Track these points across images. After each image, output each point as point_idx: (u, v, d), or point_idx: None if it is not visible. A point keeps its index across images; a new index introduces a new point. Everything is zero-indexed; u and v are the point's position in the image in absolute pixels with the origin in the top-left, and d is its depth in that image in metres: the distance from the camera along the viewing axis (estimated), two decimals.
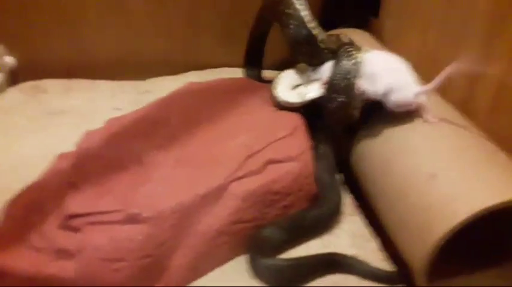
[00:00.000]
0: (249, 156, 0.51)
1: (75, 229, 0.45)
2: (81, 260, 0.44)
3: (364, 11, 0.90)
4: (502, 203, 0.42)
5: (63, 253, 0.44)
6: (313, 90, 0.60)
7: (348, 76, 0.56)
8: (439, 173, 0.48)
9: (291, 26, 0.62)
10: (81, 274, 0.43)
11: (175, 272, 0.46)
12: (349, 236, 0.54)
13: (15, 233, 0.47)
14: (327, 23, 0.90)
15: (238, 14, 0.89)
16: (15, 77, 0.85)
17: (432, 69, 0.67)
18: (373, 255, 0.52)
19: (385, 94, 0.54)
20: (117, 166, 0.52)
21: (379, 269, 0.50)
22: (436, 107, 0.59)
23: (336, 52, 0.59)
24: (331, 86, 0.57)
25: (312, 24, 0.62)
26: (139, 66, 0.89)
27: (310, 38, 0.62)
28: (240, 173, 0.50)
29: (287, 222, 0.51)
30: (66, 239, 0.45)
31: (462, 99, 0.60)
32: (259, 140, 0.53)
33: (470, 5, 0.59)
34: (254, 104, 0.64)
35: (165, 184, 0.49)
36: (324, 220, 0.54)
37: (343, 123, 0.58)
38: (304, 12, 0.63)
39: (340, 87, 0.56)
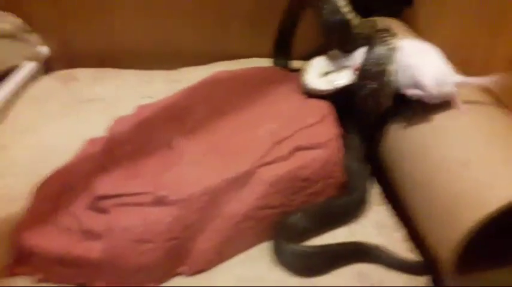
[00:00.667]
0: (277, 142, 0.51)
1: (104, 211, 0.46)
2: (108, 241, 0.44)
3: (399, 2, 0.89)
4: None
5: (91, 234, 0.45)
6: (344, 77, 0.59)
7: (381, 62, 0.55)
8: (472, 160, 0.47)
9: (324, 12, 0.60)
10: (107, 254, 0.44)
11: (201, 255, 0.46)
12: (375, 226, 0.53)
13: (44, 213, 0.48)
14: (359, 12, 0.90)
15: (267, 3, 0.89)
16: (48, 66, 0.87)
17: (469, 59, 0.66)
18: (399, 245, 0.51)
19: (422, 85, 0.52)
20: (147, 150, 0.53)
21: (405, 259, 0.49)
22: (471, 95, 0.58)
23: (370, 38, 0.58)
24: (363, 72, 0.56)
25: (346, 9, 0.60)
26: (169, 57, 0.90)
27: (344, 23, 0.60)
28: (268, 159, 0.50)
29: (314, 209, 0.51)
30: (94, 220, 0.46)
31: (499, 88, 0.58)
32: (287, 126, 0.53)
33: None
34: (282, 92, 0.63)
35: (194, 168, 0.49)
36: (351, 209, 0.53)
37: (374, 111, 0.57)
38: None
39: (372, 73, 0.55)
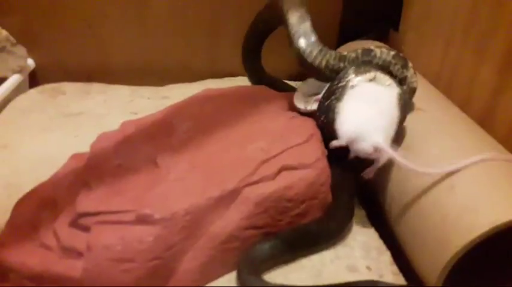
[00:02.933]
0: (264, 161, 0.51)
1: (85, 228, 0.45)
2: (89, 260, 0.43)
3: (384, 23, 0.90)
4: None
5: (72, 252, 0.44)
6: (314, 104, 0.59)
7: (332, 97, 0.54)
8: (457, 185, 0.47)
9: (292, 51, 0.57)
10: (88, 273, 0.43)
11: (184, 275, 0.45)
12: (363, 248, 0.53)
13: (24, 229, 0.46)
14: (346, 35, 0.91)
15: None
16: (35, 79, 0.86)
17: (453, 83, 0.67)
18: (386, 268, 0.50)
19: (348, 142, 0.49)
20: (131, 167, 0.52)
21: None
22: (455, 118, 0.59)
23: (338, 72, 0.55)
24: (319, 104, 0.56)
25: (314, 52, 0.56)
26: (158, 73, 0.90)
27: (310, 66, 0.56)
28: (254, 178, 0.49)
29: (286, 235, 0.49)
30: (75, 238, 0.44)
31: (482, 111, 0.59)
32: (275, 146, 0.53)
33: (493, 17, 0.58)
34: (270, 111, 0.63)
35: (179, 186, 0.48)
36: (330, 235, 0.52)
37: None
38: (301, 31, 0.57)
39: (323, 107, 0.55)
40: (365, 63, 0.56)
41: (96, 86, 0.85)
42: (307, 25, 0.57)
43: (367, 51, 0.57)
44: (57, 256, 0.44)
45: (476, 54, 0.61)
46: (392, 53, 0.57)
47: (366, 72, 0.54)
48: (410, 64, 0.58)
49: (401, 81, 0.57)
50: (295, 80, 0.87)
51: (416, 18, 0.80)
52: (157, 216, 0.45)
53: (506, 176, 0.47)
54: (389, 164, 0.55)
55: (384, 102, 0.52)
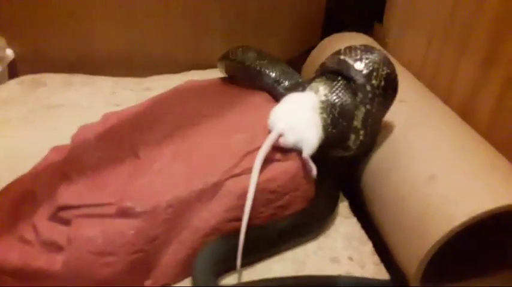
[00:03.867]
0: (246, 153, 0.51)
1: (66, 221, 0.44)
2: (70, 253, 0.43)
3: (368, 15, 0.90)
4: (501, 208, 0.41)
5: (52, 246, 0.43)
6: None
7: None
8: (437, 175, 0.47)
9: None
10: (69, 267, 0.42)
11: (166, 268, 0.45)
12: (345, 238, 0.53)
13: (4, 224, 0.46)
14: (330, 27, 0.91)
15: (242, 16, 0.89)
16: (15, 70, 0.85)
17: (436, 76, 0.67)
18: (368, 259, 0.51)
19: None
20: (112, 159, 0.51)
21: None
22: (437, 110, 0.59)
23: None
24: None
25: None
26: (142, 65, 0.89)
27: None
28: (236, 171, 0.49)
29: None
30: (55, 231, 0.44)
31: (464, 104, 0.60)
32: (257, 138, 0.52)
33: (475, 11, 0.59)
34: (253, 103, 0.63)
35: (161, 179, 0.48)
36: (302, 231, 0.52)
37: None
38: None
39: None
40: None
41: (77, 77, 0.84)
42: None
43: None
44: (36, 250, 0.43)
45: (458, 47, 0.62)
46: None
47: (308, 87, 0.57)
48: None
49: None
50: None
51: (400, 11, 0.80)
52: (138, 209, 0.44)
53: (486, 164, 0.48)
54: (371, 157, 0.55)
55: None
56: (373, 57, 0.53)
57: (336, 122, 0.52)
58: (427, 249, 0.43)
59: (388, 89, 0.52)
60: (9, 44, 0.83)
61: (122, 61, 0.89)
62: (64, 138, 0.58)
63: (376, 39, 0.84)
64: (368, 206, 0.56)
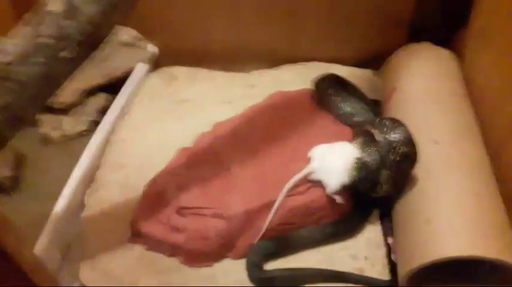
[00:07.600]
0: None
1: (184, 215, 0.74)
2: (186, 235, 0.73)
3: (451, 26, 0.97)
4: (463, 257, 0.60)
5: (176, 229, 0.74)
6: None
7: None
8: (433, 219, 0.66)
9: None
10: (186, 243, 0.73)
11: (239, 249, 0.74)
12: (366, 241, 0.75)
13: (150, 209, 0.77)
14: (414, 35, 1.00)
15: (339, 9, 1.00)
16: (156, 63, 1.11)
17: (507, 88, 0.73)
18: (379, 260, 0.73)
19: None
20: (214, 172, 0.79)
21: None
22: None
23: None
24: None
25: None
26: (245, 58, 1.06)
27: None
28: (291, 193, 0.73)
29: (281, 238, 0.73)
30: (178, 221, 0.74)
31: None
32: None
33: None
34: (328, 134, 0.82)
35: (241, 193, 0.74)
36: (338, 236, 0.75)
37: None
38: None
39: None
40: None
41: (200, 72, 1.05)
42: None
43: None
44: (168, 230, 0.74)
45: None
46: None
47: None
48: None
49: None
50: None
51: (480, 24, 0.85)
52: (225, 214, 0.72)
53: (479, 215, 0.64)
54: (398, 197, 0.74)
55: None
56: (395, 135, 0.69)
57: (363, 181, 0.71)
58: (407, 274, 0.64)
59: (402, 164, 0.68)
60: (153, 42, 1.08)
61: (230, 55, 1.06)
62: (186, 133, 0.85)
63: (454, 50, 0.92)
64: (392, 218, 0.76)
